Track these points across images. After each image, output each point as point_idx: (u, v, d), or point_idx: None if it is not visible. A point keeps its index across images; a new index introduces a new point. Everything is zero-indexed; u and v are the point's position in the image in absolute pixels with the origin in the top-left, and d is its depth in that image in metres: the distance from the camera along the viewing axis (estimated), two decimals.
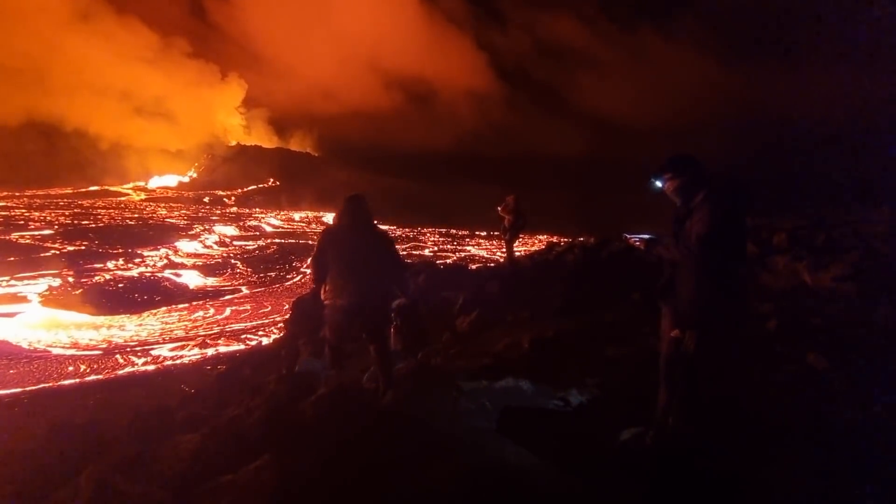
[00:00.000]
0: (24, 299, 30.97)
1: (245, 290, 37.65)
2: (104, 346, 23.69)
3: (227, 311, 31.08)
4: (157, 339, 25.07)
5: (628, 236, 3.27)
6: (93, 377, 19.38)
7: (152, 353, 22.74)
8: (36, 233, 54.62)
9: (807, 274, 6.86)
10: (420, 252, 60.71)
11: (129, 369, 20.51)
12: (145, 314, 29.84)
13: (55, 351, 22.61)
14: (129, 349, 23.17)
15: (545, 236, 52.50)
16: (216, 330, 27.07)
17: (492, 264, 19.55)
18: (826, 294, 6.38)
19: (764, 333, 5.07)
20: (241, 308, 31.99)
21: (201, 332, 26.40)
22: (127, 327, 27.06)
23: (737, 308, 2.91)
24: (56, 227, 59.15)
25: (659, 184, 3.02)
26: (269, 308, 31.20)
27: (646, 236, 3.12)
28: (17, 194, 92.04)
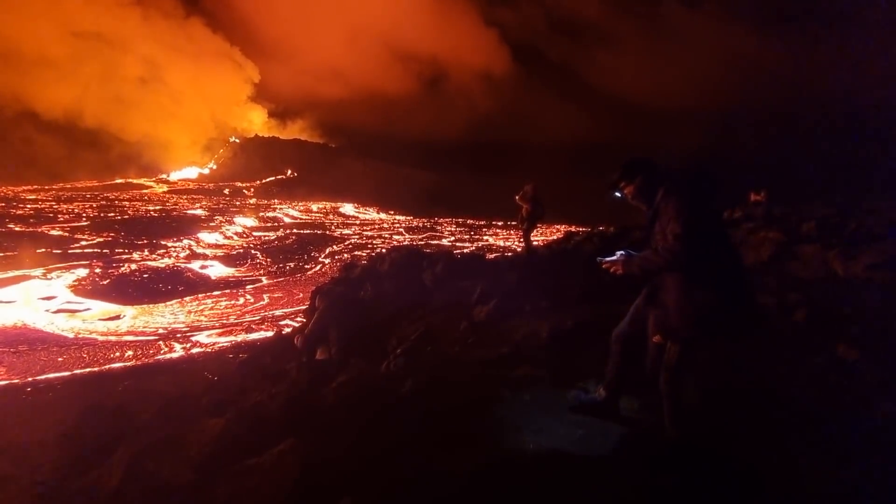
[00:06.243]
0: (59, 290, 32.06)
1: (265, 281, 38.33)
2: (146, 333, 24.51)
3: (266, 299, 31.96)
4: (207, 325, 25.99)
5: (601, 259, 2.81)
6: (119, 364, 20.04)
7: (193, 338, 23.48)
8: (66, 225, 56.39)
9: (838, 263, 6.62)
10: (437, 242, 60.81)
11: (156, 357, 21.15)
12: (186, 301, 30.79)
13: (100, 339, 23.39)
14: (170, 336, 23.94)
15: (563, 226, 51.98)
16: (259, 316, 27.93)
17: (509, 254, 19.49)
18: (858, 284, 6.16)
19: (792, 324, 4.93)
20: (276, 296, 32.88)
21: (247, 318, 27.35)
22: (162, 316, 27.88)
23: (736, 313, 2.56)
24: (84, 219, 60.96)
25: (618, 195, 2.90)
26: (301, 295, 31.84)
27: (619, 254, 2.76)
28: (45, 187, 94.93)
